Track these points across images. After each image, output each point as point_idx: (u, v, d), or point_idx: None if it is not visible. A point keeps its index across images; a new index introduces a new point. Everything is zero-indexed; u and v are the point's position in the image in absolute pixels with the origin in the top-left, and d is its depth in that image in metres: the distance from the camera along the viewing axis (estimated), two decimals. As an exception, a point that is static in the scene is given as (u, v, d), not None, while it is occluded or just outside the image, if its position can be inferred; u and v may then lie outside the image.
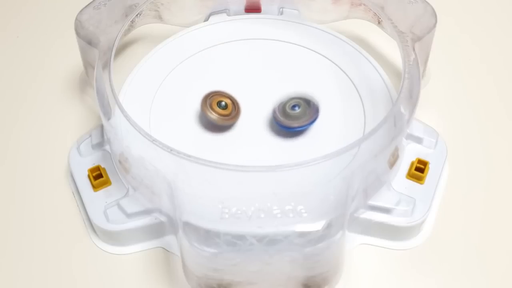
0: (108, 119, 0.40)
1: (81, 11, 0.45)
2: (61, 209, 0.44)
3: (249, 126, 0.44)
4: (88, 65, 0.46)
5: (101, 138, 0.44)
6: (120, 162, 0.42)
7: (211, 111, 0.43)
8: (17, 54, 0.52)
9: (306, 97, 0.43)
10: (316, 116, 0.43)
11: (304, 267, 0.37)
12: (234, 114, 0.44)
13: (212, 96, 0.44)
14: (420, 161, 0.43)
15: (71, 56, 0.49)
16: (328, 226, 0.36)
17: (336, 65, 0.47)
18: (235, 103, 0.44)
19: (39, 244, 0.42)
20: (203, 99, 0.43)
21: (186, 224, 0.36)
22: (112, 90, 0.41)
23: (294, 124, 0.43)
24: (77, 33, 0.45)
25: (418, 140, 0.44)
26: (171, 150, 0.38)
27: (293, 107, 0.43)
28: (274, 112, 0.43)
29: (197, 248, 0.36)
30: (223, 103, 0.43)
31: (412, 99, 0.41)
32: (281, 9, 0.51)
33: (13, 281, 0.41)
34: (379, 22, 0.48)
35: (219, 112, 0.43)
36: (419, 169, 0.42)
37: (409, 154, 0.43)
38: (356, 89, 0.46)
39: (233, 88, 0.46)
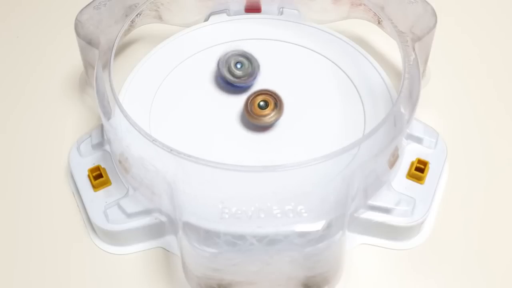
0: (108, 119, 0.40)
1: (81, 11, 0.45)
2: (61, 209, 0.44)
3: (248, 126, 0.44)
4: (88, 65, 0.46)
5: (101, 138, 0.44)
6: (120, 162, 0.42)
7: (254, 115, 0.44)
8: (17, 54, 0.52)
9: (247, 55, 0.45)
10: (257, 73, 0.45)
11: (304, 267, 0.37)
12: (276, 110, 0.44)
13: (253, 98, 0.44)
14: (420, 161, 0.43)
15: (71, 56, 0.49)
16: (328, 226, 0.36)
17: (336, 65, 0.47)
18: (276, 99, 0.44)
19: (39, 244, 0.42)
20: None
21: (186, 224, 0.36)
22: (112, 90, 0.41)
23: (237, 81, 0.45)
24: (77, 33, 0.45)
25: (418, 140, 0.44)
26: (171, 150, 0.38)
27: (237, 64, 0.45)
28: (218, 66, 0.45)
29: (197, 248, 0.36)
30: (261, 103, 0.44)
31: (412, 99, 0.41)
32: (281, 9, 0.51)
33: (13, 281, 0.41)
34: (379, 22, 0.48)
35: (261, 113, 0.44)
36: (419, 169, 0.42)
37: (409, 154, 0.43)
38: (356, 89, 0.46)
39: (232, 88, 0.46)
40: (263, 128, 0.44)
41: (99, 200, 0.42)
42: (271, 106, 0.43)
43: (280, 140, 0.43)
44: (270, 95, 0.44)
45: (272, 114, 0.43)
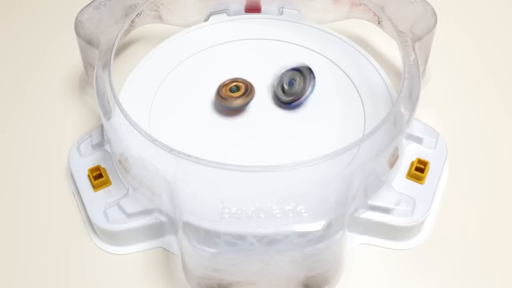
0: (108, 119, 0.40)
1: (81, 11, 0.45)
2: (61, 209, 0.44)
3: (248, 126, 0.44)
4: (88, 65, 0.46)
5: (101, 138, 0.44)
6: (120, 162, 0.42)
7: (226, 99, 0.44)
8: (17, 54, 0.52)
9: (299, 68, 0.45)
10: (314, 83, 0.45)
11: (304, 267, 0.37)
12: (248, 93, 0.44)
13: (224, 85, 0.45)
14: (420, 161, 0.43)
15: (71, 56, 0.49)
16: (328, 226, 0.36)
17: (336, 65, 0.47)
18: (247, 84, 0.45)
19: (39, 244, 0.42)
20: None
21: (186, 224, 0.36)
22: (112, 90, 0.41)
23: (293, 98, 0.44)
24: (77, 33, 0.45)
25: (418, 140, 0.44)
26: (171, 150, 0.38)
27: (290, 83, 0.45)
28: (274, 91, 0.45)
29: (197, 248, 0.36)
30: (233, 87, 0.44)
31: (412, 99, 0.41)
32: (281, 9, 0.51)
33: (13, 281, 0.41)
34: (379, 22, 0.48)
35: (232, 95, 0.44)
36: (419, 169, 0.42)
37: (409, 154, 0.43)
38: (356, 89, 0.46)
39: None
40: (263, 128, 0.44)
41: (99, 200, 0.42)
42: (241, 91, 0.44)
43: (280, 140, 0.43)
44: (241, 82, 0.45)
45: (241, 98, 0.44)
